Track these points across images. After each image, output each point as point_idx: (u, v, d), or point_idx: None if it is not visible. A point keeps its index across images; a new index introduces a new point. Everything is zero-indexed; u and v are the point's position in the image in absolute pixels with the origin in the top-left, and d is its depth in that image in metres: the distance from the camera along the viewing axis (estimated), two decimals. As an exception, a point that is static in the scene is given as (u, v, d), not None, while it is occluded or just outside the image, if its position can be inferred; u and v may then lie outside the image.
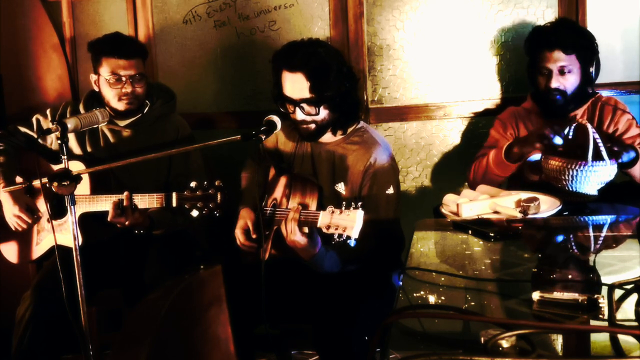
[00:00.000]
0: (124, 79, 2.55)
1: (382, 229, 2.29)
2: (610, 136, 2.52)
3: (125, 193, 2.33)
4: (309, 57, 2.24)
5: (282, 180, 2.39)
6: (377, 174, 2.31)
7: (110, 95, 2.58)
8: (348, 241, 2.02)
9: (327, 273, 2.22)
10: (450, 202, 2.24)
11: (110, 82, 2.56)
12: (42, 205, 2.60)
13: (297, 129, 2.36)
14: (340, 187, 2.36)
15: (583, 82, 2.59)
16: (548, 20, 2.93)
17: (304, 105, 2.27)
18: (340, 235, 2.02)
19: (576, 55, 2.54)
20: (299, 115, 2.29)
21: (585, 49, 2.56)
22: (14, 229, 2.60)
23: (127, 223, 2.37)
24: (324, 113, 2.30)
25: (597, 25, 2.89)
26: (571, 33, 2.57)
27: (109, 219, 2.36)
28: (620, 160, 2.29)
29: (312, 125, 2.31)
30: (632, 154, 2.36)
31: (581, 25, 2.74)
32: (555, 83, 2.55)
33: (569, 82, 2.56)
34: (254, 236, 2.33)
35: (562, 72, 2.54)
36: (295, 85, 2.25)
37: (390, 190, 2.33)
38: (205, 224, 2.85)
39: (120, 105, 2.59)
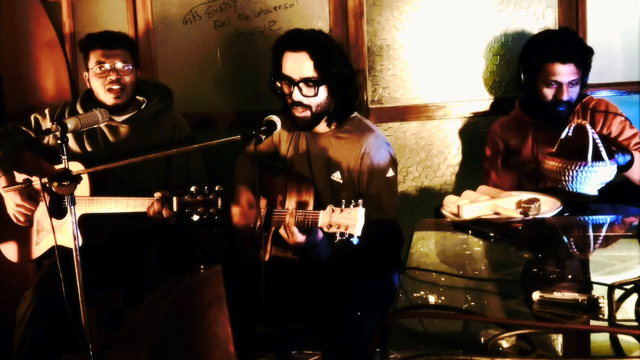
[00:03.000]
0: (108, 66, 2.58)
1: (384, 224, 2.29)
2: (606, 138, 2.52)
3: (163, 192, 2.35)
4: (313, 38, 2.30)
5: (278, 181, 2.39)
6: (374, 159, 2.32)
7: (97, 86, 2.61)
8: (351, 239, 2.01)
9: (329, 261, 2.23)
10: (451, 204, 2.24)
11: (95, 73, 2.59)
12: (42, 205, 2.60)
13: (292, 117, 2.35)
14: (337, 177, 2.37)
15: (581, 91, 2.60)
16: (548, 20, 2.93)
17: (302, 85, 2.27)
18: (342, 234, 2.02)
19: (581, 68, 2.54)
20: (297, 95, 2.29)
21: (588, 62, 2.56)
22: (16, 220, 2.60)
23: (165, 215, 2.36)
24: (321, 97, 2.30)
25: (597, 26, 2.89)
26: (580, 46, 2.56)
27: (151, 214, 2.36)
28: (616, 162, 2.29)
29: (307, 112, 2.31)
30: (628, 157, 2.36)
31: (578, 36, 2.71)
32: (566, 96, 2.53)
33: (574, 93, 2.56)
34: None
35: (571, 84, 2.53)
36: (297, 63, 2.27)
37: (390, 174, 2.34)
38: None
39: (108, 99, 2.60)
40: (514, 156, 2.70)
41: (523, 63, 2.65)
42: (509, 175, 2.64)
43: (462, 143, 3.09)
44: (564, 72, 2.51)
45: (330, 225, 2.03)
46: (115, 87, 2.59)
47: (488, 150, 2.79)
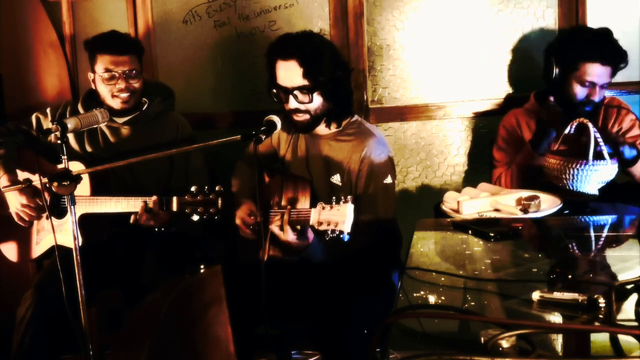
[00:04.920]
0: (117, 74, 2.56)
1: (380, 226, 2.29)
2: (613, 135, 2.51)
3: (154, 197, 2.32)
4: (303, 45, 2.27)
5: (275, 182, 2.39)
6: (374, 164, 2.32)
7: (105, 92, 2.59)
8: (341, 236, 2.01)
9: (324, 263, 2.22)
10: (451, 200, 2.24)
11: (104, 79, 2.57)
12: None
13: (291, 121, 2.35)
14: (336, 179, 2.37)
15: None
16: (548, 20, 2.93)
17: (297, 93, 2.27)
18: (333, 231, 2.01)
19: (612, 72, 2.53)
20: (292, 103, 2.29)
21: (621, 67, 2.56)
22: (18, 219, 2.59)
23: (152, 223, 2.36)
24: (317, 102, 2.30)
25: (597, 26, 2.89)
26: (619, 50, 2.54)
27: (133, 221, 2.35)
28: (623, 155, 2.29)
29: (307, 116, 2.31)
30: (634, 152, 2.36)
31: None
32: (597, 98, 2.52)
33: (602, 95, 2.55)
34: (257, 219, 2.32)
35: (602, 87, 2.52)
36: (289, 72, 2.26)
37: (388, 180, 2.33)
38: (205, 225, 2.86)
39: (116, 104, 2.59)
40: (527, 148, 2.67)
41: (556, 57, 2.58)
42: (523, 166, 2.60)
43: (462, 143, 3.09)
44: (601, 74, 2.49)
45: (320, 223, 2.03)
46: (124, 94, 2.58)
47: (502, 141, 2.73)
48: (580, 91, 2.53)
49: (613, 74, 2.55)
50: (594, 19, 2.90)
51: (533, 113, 2.68)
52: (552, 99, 2.59)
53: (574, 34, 2.63)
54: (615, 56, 2.51)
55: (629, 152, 2.35)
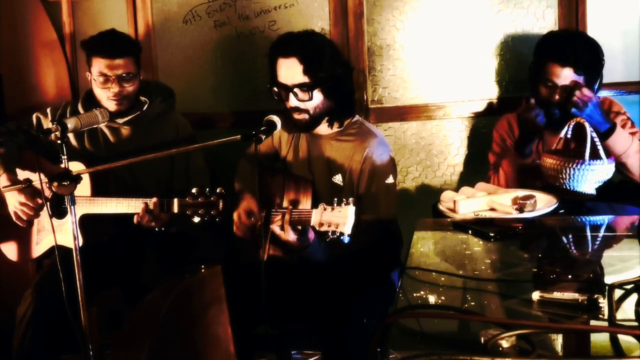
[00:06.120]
0: (111, 78, 2.55)
1: (381, 226, 2.29)
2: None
3: (154, 199, 2.32)
4: (303, 42, 2.29)
5: (276, 181, 2.39)
6: (375, 164, 2.32)
7: (100, 94, 2.59)
8: (341, 238, 2.01)
9: (323, 262, 2.22)
10: (448, 199, 2.25)
11: (99, 82, 2.56)
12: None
13: (292, 119, 2.35)
14: (338, 179, 2.37)
15: None
16: (548, 20, 2.93)
17: (297, 90, 2.28)
18: (333, 232, 2.01)
19: (585, 77, 2.48)
20: (293, 101, 2.30)
21: (596, 70, 2.52)
22: (16, 218, 2.59)
23: (153, 224, 2.36)
24: (317, 99, 2.30)
25: (597, 26, 2.89)
26: (587, 52, 2.50)
27: (137, 222, 2.35)
28: (599, 129, 2.33)
29: (306, 115, 2.32)
30: (606, 125, 2.40)
31: (592, 41, 2.61)
32: (558, 99, 2.50)
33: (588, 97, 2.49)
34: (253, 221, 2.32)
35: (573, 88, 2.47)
36: (289, 70, 2.27)
37: (390, 180, 2.34)
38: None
39: (110, 105, 2.59)
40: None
41: (534, 57, 2.63)
42: (516, 170, 2.61)
43: (462, 143, 3.09)
44: (561, 75, 2.48)
45: (321, 224, 2.03)
46: (118, 98, 2.57)
47: (495, 146, 2.75)
48: (545, 92, 2.54)
49: (588, 78, 2.49)
50: (594, 19, 2.90)
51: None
52: (533, 100, 2.57)
53: (549, 35, 2.66)
54: (574, 57, 2.47)
55: (602, 126, 2.39)
